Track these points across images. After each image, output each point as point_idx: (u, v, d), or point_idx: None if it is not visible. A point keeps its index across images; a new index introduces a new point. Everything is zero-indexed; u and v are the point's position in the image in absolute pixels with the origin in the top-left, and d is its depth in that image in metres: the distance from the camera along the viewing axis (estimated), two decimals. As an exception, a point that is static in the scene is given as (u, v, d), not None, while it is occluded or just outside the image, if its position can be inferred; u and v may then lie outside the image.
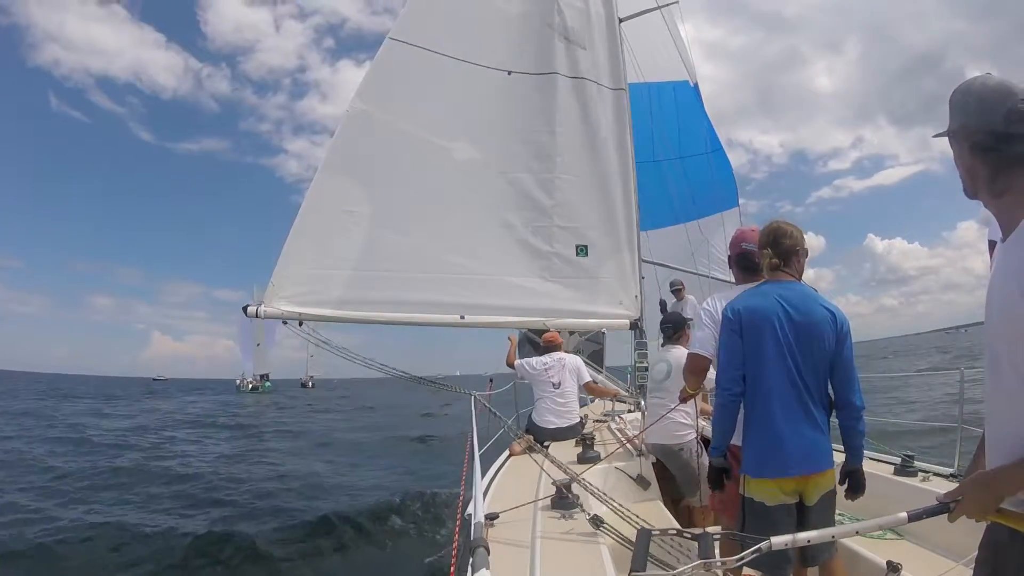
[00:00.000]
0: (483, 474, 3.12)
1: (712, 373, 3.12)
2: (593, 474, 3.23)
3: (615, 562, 1.97)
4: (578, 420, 4.73)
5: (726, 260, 2.89)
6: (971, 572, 1.26)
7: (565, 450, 3.94)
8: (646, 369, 4.91)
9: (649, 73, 7.06)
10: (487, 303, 4.58)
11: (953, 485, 1.61)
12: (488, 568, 1.66)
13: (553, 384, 4.65)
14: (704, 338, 2.49)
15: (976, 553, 1.22)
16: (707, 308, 2.56)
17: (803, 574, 2.27)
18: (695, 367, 2.55)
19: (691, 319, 4.95)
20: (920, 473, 3.08)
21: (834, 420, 2.12)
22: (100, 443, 15.09)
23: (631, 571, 1.52)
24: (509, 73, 4.87)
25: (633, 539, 1.71)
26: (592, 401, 6.73)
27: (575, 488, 2.61)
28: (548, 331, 4.93)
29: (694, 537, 1.62)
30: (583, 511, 2.39)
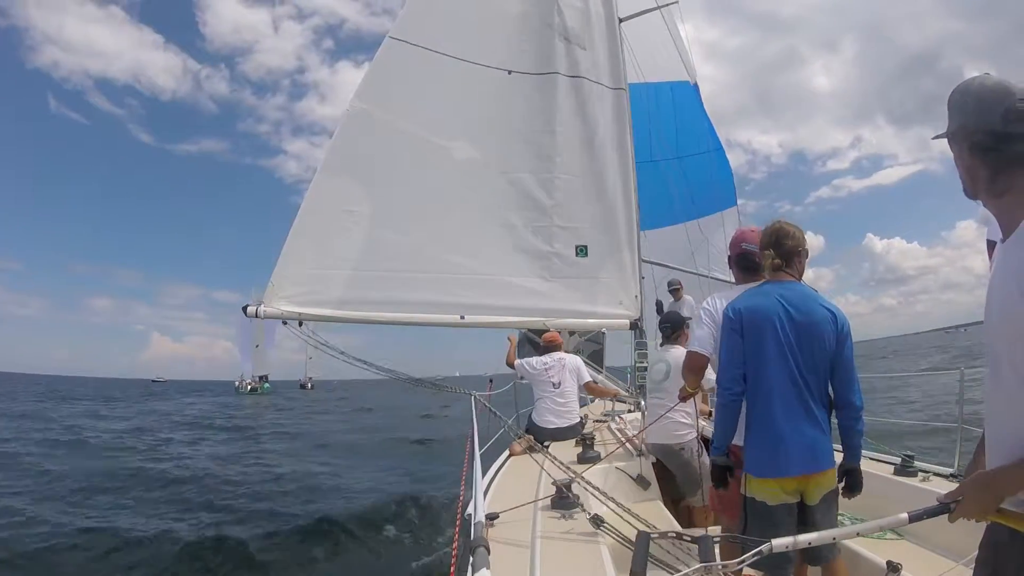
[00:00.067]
0: (483, 474, 3.12)
1: (711, 372, 3.12)
2: (593, 474, 3.23)
3: (615, 562, 1.97)
4: (578, 420, 4.73)
5: (726, 260, 2.90)
6: (971, 572, 1.26)
7: (565, 450, 3.94)
8: (646, 369, 4.91)
9: (649, 73, 7.05)
10: (487, 303, 4.58)
11: (953, 485, 1.61)
12: (488, 568, 1.66)
13: (553, 384, 4.65)
14: (703, 336, 2.50)
15: (976, 553, 1.23)
16: (707, 307, 2.57)
17: (804, 573, 2.27)
18: (693, 365, 2.56)
19: (689, 318, 4.95)
20: (920, 473, 3.08)
21: (833, 420, 2.13)
22: (97, 445, 15.08)
23: (631, 574, 1.52)
24: (509, 73, 4.86)
25: (633, 539, 1.71)
26: (592, 401, 6.73)
27: (575, 488, 2.61)
28: (548, 331, 4.93)
29: (694, 540, 1.62)
30: (583, 511, 2.39)
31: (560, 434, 4.49)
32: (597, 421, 5.42)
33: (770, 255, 2.16)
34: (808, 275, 2.26)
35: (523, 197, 4.82)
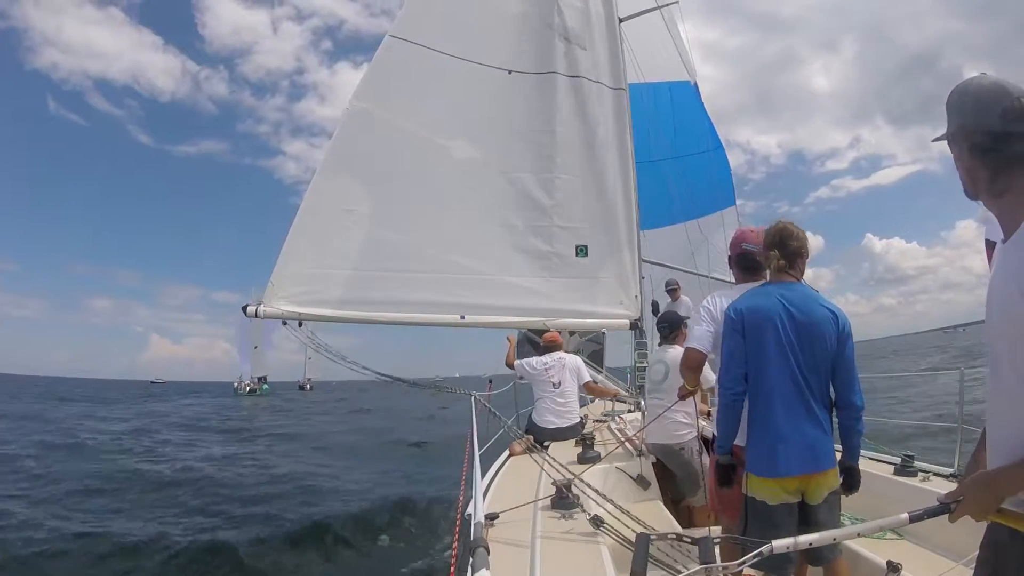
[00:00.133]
0: (483, 474, 3.12)
1: (710, 373, 3.12)
2: (593, 474, 3.23)
3: (615, 562, 1.97)
4: (578, 420, 4.73)
5: (726, 260, 2.90)
6: (971, 572, 1.26)
7: (565, 450, 3.94)
8: (646, 369, 4.91)
9: (649, 73, 7.05)
10: (487, 303, 4.58)
11: (953, 485, 1.60)
12: (488, 568, 1.66)
13: (553, 384, 4.65)
14: (701, 333, 2.50)
15: (976, 553, 1.23)
16: (707, 305, 2.57)
17: (804, 573, 2.27)
18: (691, 362, 2.56)
19: (687, 318, 4.95)
20: (920, 473, 3.08)
21: (834, 419, 2.14)
22: (94, 447, 15.00)
23: (631, 575, 1.51)
24: (509, 72, 4.86)
25: (633, 540, 1.71)
26: (592, 401, 6.73)
27: (575, 488, 2.61)
28: (548, 331, 4.93)
29: (694, 541, 1.62)
30: (583, 511, 2.39)
31: (560, 434, 4.49)
32: (597, 421, 5.42)
33: (775, 256, 2.16)
34: (807, 275, 2.26)
35: (523, 197, 4.81)
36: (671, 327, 4.01)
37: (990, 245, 1.45)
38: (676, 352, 3.59)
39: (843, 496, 2.13)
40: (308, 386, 66.97)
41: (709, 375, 3.19)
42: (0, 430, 18.91)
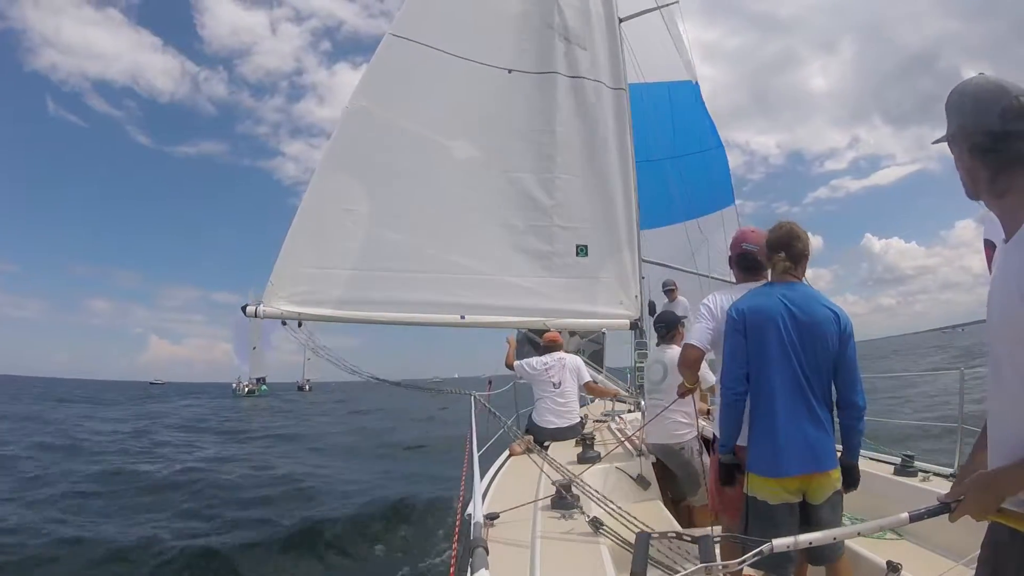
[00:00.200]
0: (483, 474, 3.11)
1: (708, 372, 3.12)
2: (593, 474, 3.23)
3: (615, 562, 1.97)
4: (578, 420, 4.73)
5: (727, 259, 2.90)
6: (971, 572, 1.26)
7: (565, 450, 3.94)
8: (646, 369, 4.91)
9: (649, 73, 7.05)
10: (487, 303, 4.57)
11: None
12: (487, 568, 1.66)
13: (553, 384, 4.65)
14: (699, 330, 2.51)
15: (976, 553, 1.23)
16: (707, 303, 2.57)
17: (804, 573, 2.27)
18: (688, 358, 2.56)
19: (684, 317, 4.94)
20: (920, 473, 3.08)
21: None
22: (89, 449, 14.91)
23: (631, 575, 1.51)
24: (510, 72, 4.86)
25: (633, 541, 1.71)
26: (592, 401, 6.73)
27: (575, 488, 2.61)
28: (548, 331, 4.93)
29: (694, 540, 1.62)
30: (583, 513, 2.38)
31: (560, 434, 4.49)
32: (597, 421, 5.42)
33: (781, 258, 2.17)
34: (807, 275, 2.27)
35: (523, 197, 4.81)
36: (668, 327, 4.00)
37: (989, 245, 1.45)
38: (674, 352, 3.59)
39: (843, 495, 2.14)
40: (307, 387, 66.87)
41: (708, 375, 3.19)
42: (-1, 431, 18.90)
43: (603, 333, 7.30)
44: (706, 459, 3.44)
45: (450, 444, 12.86)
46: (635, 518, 2.17)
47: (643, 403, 4.70)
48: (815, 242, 2.27)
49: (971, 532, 1.25)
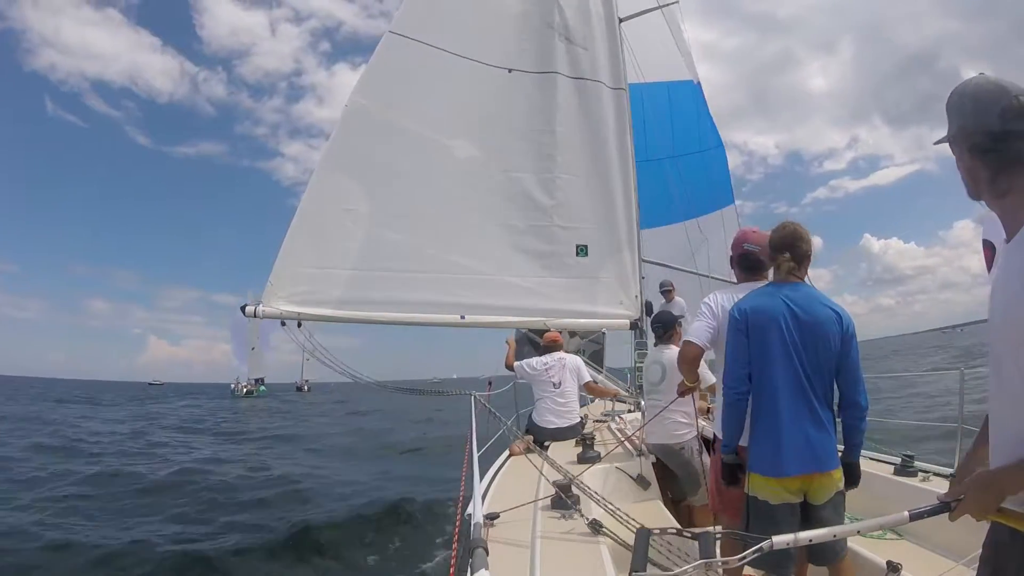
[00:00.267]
0: (483, 474, 3.11)
1: (707, 372, 3.11)
2: (593, 474, 3.23)
3: (615, 562, 1.97)
4: (578, 420, 4.73)
5: (727, 259, 2.90)
6: (971, 572, 1.26)
7: (565, 450, 3.94)
8: (646, 369, 4.91)
9: (649, 73, 7.05)
10: (487, 303, 4.57)
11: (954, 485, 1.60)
12: (487, 568, 1.66)
13: (553, 384, 4.65)
14: (698, 327, 2.50)
15: (976, 553, 1.23)
16: (708, 301, 2.57)
17: (804, 572, 2.27)
18: (686, 355, 2.55)
19: (681, 317, 4.94)
20: (920, 473, 3.08)
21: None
22: (86, 450, 14.84)
23: (631, 572, 1.51)
24: (510, 71, 4.85)
25: (632, 541, 1.71)
26: (592, 401, 6.73)
27: (575, 488, 2.61)
28: (548, 331, 4.93)
29: (694, 537, 1.62)
30: (582, 515, 2.38)
31: (560, 434, 4.49)
32: (597, 421, 5.42)
33: (786, 258, 2.17)
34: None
35: (523, 197, 4.81)
36: (665, 327, 3.99)
37: (988, 246, 1.45)
38: (672, 352, 3.58)
39: (845, 495, 2.14)
40: (306, 387, 66.66)
41: (708, 375, 3.19)
42: (-5, 433, 18.80)
43: (603, 333, 7.30)
44: (706, 459, 3.44)
45: (448, 445, 12.83)
46: (635, 518, 2.17)
47: (643, 403, 4.71)
48: (814, 243, 2.28)
49: (971, 532, 1.25)
